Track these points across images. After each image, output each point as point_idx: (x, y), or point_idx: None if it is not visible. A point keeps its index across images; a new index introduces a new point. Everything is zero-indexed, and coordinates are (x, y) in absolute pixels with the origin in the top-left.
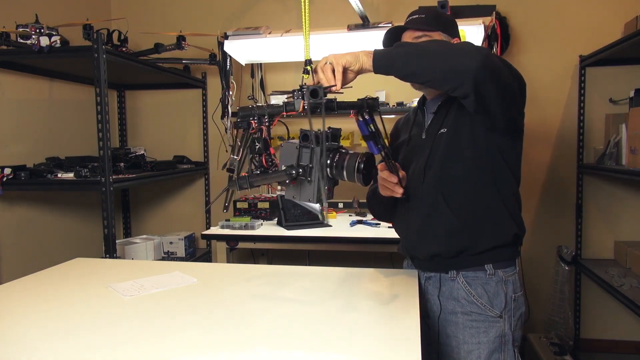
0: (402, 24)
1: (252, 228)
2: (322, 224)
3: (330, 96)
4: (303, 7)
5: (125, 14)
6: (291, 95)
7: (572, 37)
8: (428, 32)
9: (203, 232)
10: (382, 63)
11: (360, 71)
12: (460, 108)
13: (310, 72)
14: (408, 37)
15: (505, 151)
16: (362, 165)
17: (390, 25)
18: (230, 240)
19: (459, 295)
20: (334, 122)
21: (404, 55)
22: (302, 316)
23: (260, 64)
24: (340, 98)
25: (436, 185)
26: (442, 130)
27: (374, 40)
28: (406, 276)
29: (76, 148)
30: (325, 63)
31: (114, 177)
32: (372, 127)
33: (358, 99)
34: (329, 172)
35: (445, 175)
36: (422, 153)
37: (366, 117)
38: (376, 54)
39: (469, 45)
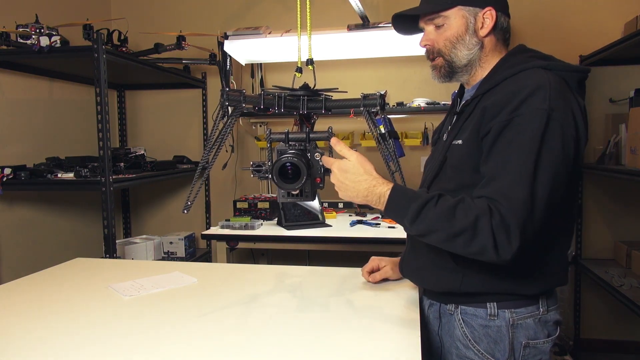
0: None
1: (252, 228)
2: (322, 224)
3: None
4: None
5: (125, 14)
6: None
7: (572, 37)
8: (443, 13)
9: (203, 232)
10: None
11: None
12: (482, 117)
13: (313, 70)
14: (423, 23)
15: None
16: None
17: (390, 25)
18: (230, 240)
19: (455, 335)
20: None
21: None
22: (301, 318)
23: (260, 64)
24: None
25: None
26: (455, 142)
27: (374, 40)
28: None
29: (76, 148)
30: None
31: (114, 177)
32: (384, 128)
33: (362, 94)
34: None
35: None
36: (434, 165)
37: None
38: (390, 202)
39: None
